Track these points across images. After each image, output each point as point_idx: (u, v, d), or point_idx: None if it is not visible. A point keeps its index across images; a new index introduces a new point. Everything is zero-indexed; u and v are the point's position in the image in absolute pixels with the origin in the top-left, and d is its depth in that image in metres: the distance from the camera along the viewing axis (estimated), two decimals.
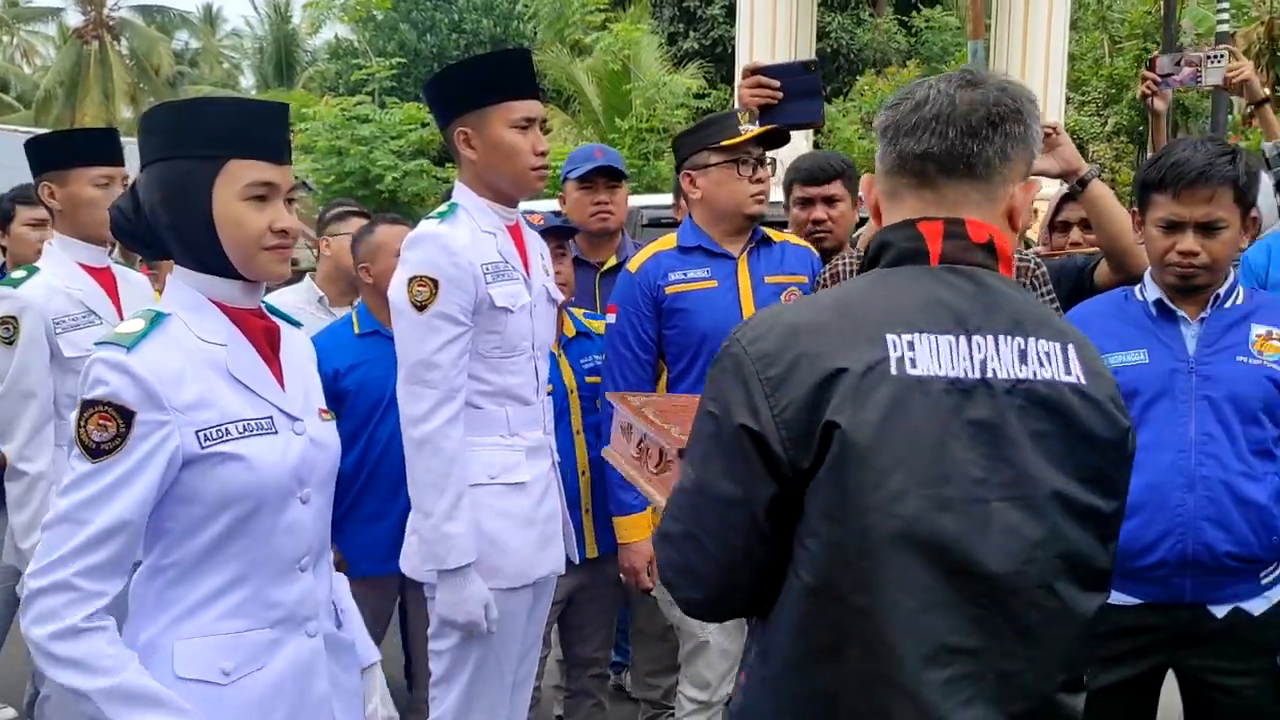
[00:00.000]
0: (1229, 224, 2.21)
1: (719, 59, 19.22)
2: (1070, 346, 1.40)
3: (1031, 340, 1.38)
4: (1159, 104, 3.25)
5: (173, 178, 1.70)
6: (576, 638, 3.24)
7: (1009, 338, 1.36)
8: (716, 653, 2.83)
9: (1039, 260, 2.65)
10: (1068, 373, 1.37)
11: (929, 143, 1.41)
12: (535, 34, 20.91)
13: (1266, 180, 3.18)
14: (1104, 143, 14.78)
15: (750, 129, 2.73)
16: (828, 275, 2.87)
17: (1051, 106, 10.35)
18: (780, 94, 2.82)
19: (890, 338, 1.33)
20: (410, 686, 3.41)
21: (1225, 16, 10.65)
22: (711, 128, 2.83)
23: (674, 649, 3.09)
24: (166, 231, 1.73)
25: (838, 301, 1.41)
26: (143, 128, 1.75)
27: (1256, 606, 2.24)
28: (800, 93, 2.83)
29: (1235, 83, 3.23)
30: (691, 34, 20.81)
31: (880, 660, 1.30)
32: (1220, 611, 2.23)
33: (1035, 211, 3.41)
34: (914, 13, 20.12)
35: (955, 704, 1.30)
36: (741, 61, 10.42)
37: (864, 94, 17.33)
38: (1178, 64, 3.30)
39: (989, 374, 1.33)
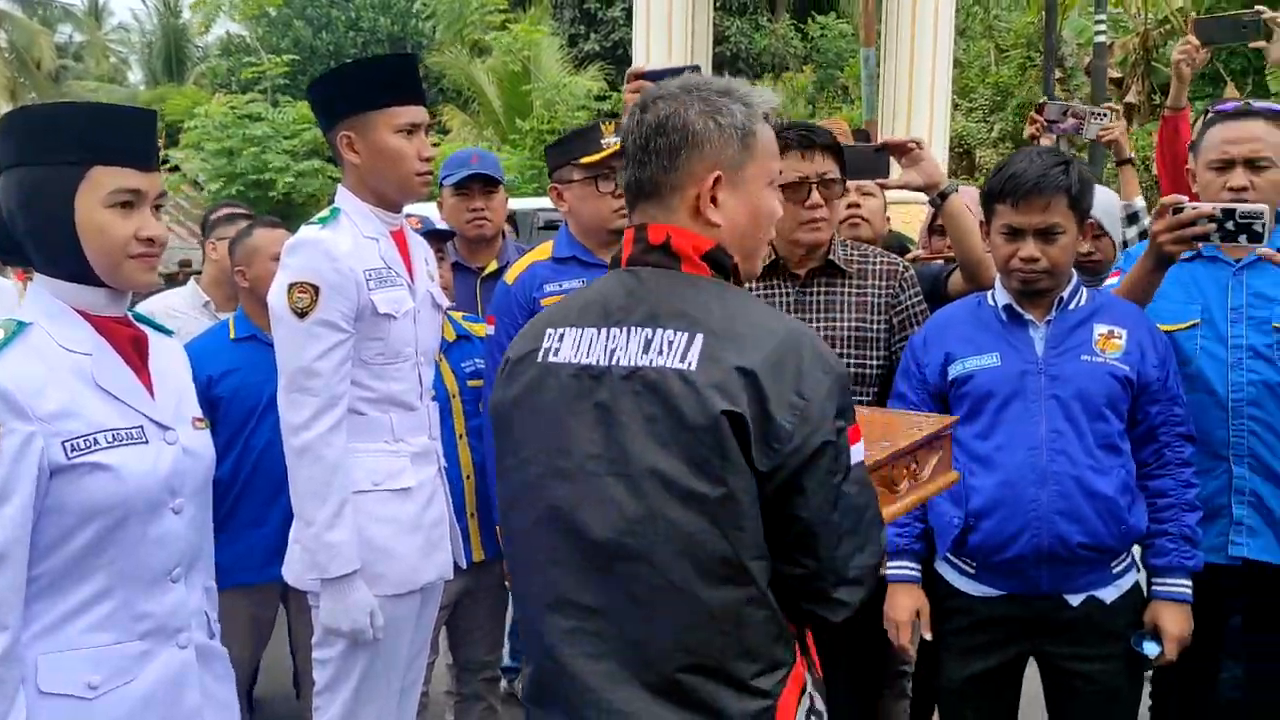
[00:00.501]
0: (1066, 230, 2.33)
1: (620, 61, 19.30)
2: (699, 336, 1.50)
3: (660, 331, 1.52)
4: (1044, 143, 3.45)
5: (32, 183, 1.67)
6: (465, 641, 3.25)
7: (640, 329, 1.53)
8: None
9: (907, 264, 2.76)
10: (682, 360, 1.49)
11: (625, 173, 1.65)
12: (434, 33, 20.72)
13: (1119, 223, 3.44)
14: (990, 148, 15.26)
15: (612, 143, 2.74)
16: None
17: (938, 112, 10.64)
18: None
19: (548, 331, 1.62)
20: (298, 695, 3.38)
21: (1103, 28, 11.09)
22: (574, 142, 2.84)
23: None
24: (25, 238, 1.71)
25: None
26: (1, 131, 1.71)
27: (1109, 594, 2.36)
28: None
29: (1105, 140, 3.52)
30: (592, 36, 20.87)
31: (521, 601, 1.64)
32: (1075, 600, 2.35)
33: (888, 219, 3.57)
34: (809, 19, 20.49)
35: (577, 654, 1.51)
36: (638, 64, 10.51)
37: None
38: (1064, 114, 3.51)
39: (614, 362, 1.53)
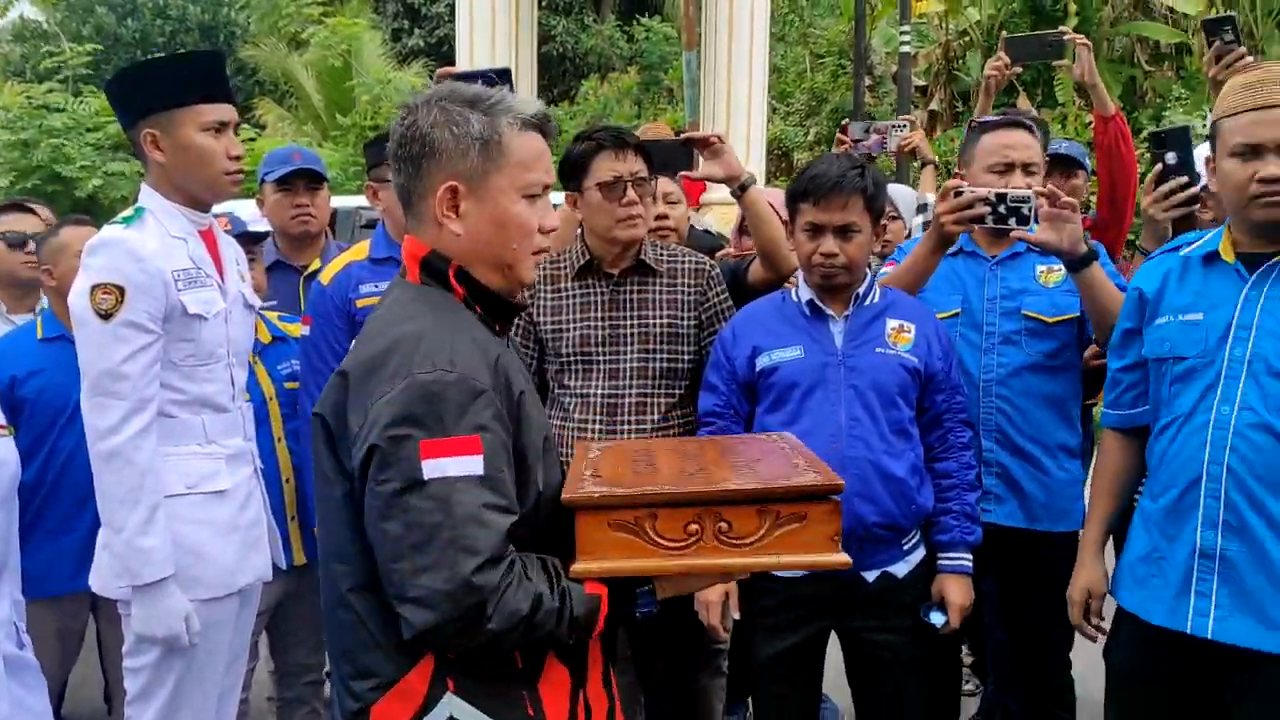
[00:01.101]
0: (861, 229, 2.52)
1: (445, 58, 19.07)
2: (356, 342, 1.63)
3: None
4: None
5: None
6: (287, 644, 3.21)
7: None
8: None
9: (713, 264, 2.90)
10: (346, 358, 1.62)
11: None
12: (248, 24, 19.96)
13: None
14: (806, 151, 15.82)
15: None
16: None
17: (755, 115, 10.98)
18: None
19: None
20: (109, 710, 3.26)
21: (907, 39, 11.68)
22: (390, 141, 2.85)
23: None
24: None
25: None
26: None
27: (901, 570, 2.54)
28: None
29: (906, 150, 3.73)
30: (416, 31, 20.54)
31: None
32: (871, 577, 2.52)
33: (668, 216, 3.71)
34: (635, 21, 20.75)
35: None
36: (461, 63, 10.42)
37: (589, 98, 17.72)
38: (867, 131, 3.72)
39: (341, 365, 1.61)
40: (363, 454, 1.48)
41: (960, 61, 15.00)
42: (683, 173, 2.97)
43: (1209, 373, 2.13)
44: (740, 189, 2.89)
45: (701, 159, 2.91)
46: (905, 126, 3.74)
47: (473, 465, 1.47)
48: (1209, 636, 2.09)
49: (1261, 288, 2.13)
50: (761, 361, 2.55)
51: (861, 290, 2.58)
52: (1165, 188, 2.59)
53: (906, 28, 11.45)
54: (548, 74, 19.76)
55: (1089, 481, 2.55)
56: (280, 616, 3.13)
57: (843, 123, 4.09)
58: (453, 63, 10.83)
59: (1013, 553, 2.74)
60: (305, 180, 3.52)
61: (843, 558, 1.59)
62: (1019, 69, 3.68)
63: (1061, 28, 3.71)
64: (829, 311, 2.56)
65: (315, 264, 3.55)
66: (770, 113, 14.69)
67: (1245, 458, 2.06)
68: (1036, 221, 2.51)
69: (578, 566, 1.56)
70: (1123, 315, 2.39)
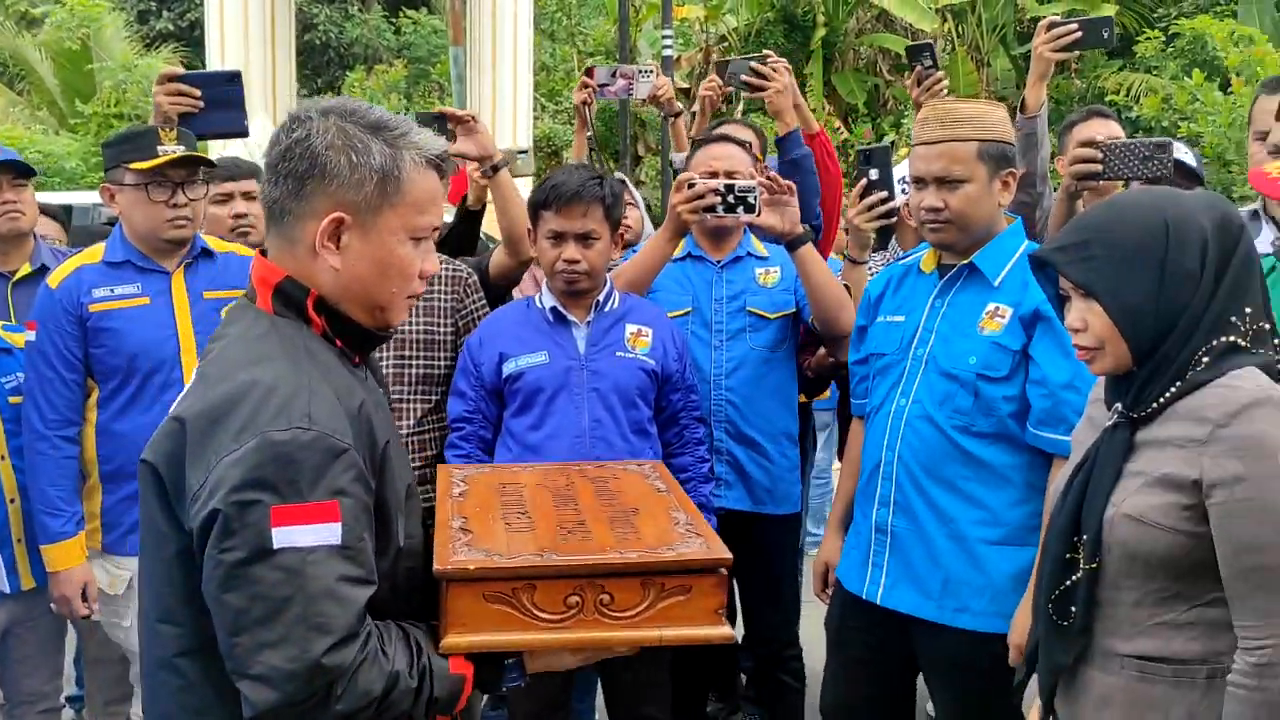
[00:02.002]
0: (601, 236, 2.64)
1: (197, 43, 18.11)
2: (195, 378, 1.48)
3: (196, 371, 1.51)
4: (587, 111, 3.56)
5: None
6: (19, 673, 3.02)
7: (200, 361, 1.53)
8: None
9: (470, 271, 2.95)
10: (180, 401, 1.47)
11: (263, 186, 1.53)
12: None
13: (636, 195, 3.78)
14: (585, 154, 16.02)
15: (171, 151, 2.66)
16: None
17: (521, 112, 11.04)
18: (202, 103, 2.80)
19: None
20: None
21: (669, 42, 12.01)
22: (128, 144, 2.70)
23: (128, 673, 3.00)
24: None
25: None
26: None
27: None
28: (223, 102, 2.81)
29: (661, 98, 3.61)
30: (165, 14, 19.37)
31: None
32: None
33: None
34: (401, 13, 20.35)
35: None
36: (212, 51, 9.95)
37: (355, 90, 17.25)
38: (613, 75, 3.55)
39: (177, 409, 1.46)
40: (203, 517, 1.33)
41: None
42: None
43: (898, 369, 2.41)
44: (492, 169, 2.95)
45: (459, 136, 2.94)
46: (652, 72, 3.61)
47: (329, 534, 1.33)
48: (879, 603, 2.37)
49: (945, 295, 2.40)
50: (508, 367, 2.62)
51: (601, 296, 2.69)
52: (868, 200, 2.84)
53: (669, 31, 11.77)
54: (310, 64, 19.11)
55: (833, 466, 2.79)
56: (9, 644, 2.94)
57: (588, 65, 3.96)
58: (204, 48, 10.31)
59: (741, 534, 2.92)
60: (10, 175, 3.26)
61: (727, 631, 1.54)
62: (731, 88, 3.83)
63: (765, 51, 3.87)
64: (571, 317, 2.66)
65: (25, 269, 3.31)
66: (539, 110, 14.77)
67: (912, 445, 2.33)
68: (759, 208, 2.73)
69: (448, 641, 1.46)
70: (859, 313, 2.64)
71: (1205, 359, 1.60)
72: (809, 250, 2.80)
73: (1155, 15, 13.19)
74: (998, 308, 2.30)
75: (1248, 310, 1.62)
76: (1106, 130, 3.38)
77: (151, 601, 1.47)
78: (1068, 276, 1.68)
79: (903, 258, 2.65)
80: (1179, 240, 1.61)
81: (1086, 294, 1.66)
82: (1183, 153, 3.22)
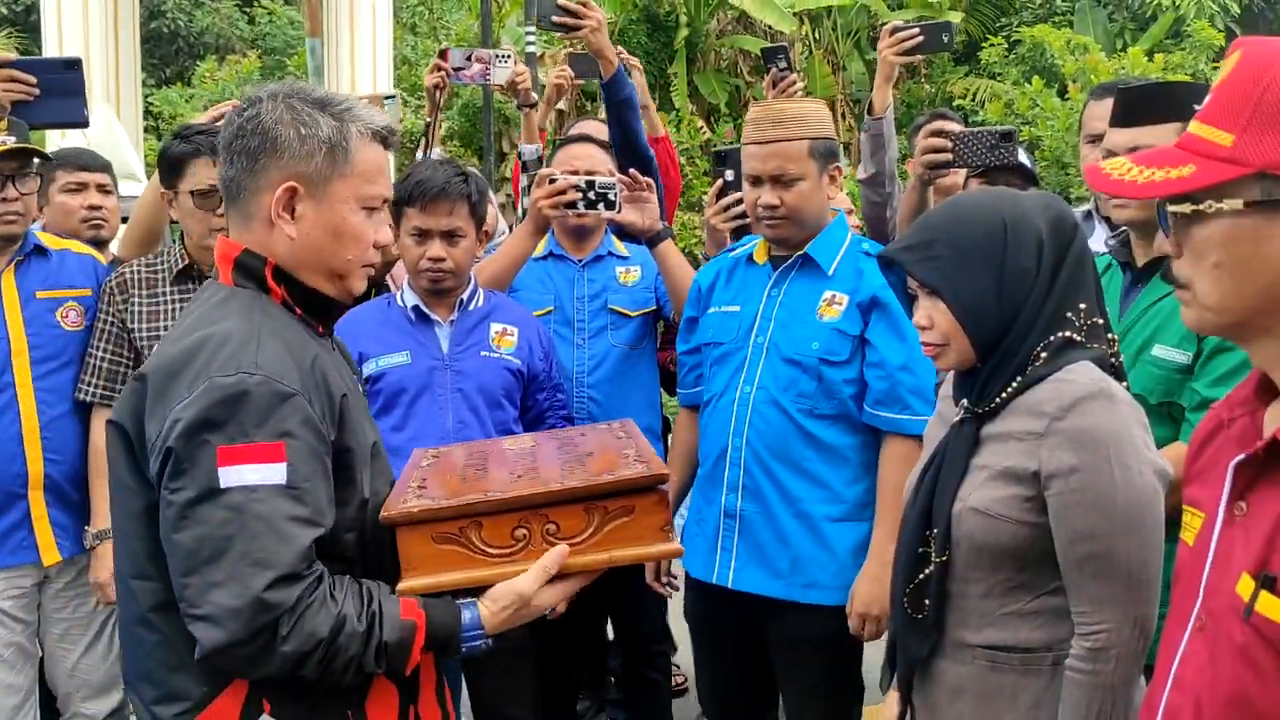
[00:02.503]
0: (466, 234, 2.63)
1: (34, 28, 17.14)
2: (159, 345, 1.58)
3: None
4: (439, 95, 3.42)
5: None
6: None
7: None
8: (1, 689, 2.65)
9: None
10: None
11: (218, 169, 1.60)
12: None
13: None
14: (439, 145, 15.81)
15: (1, 142, 2.52)
16: None
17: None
18: (37, 91, 2.66)
19: None
20: None
21: (532, 38, 11.94)
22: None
23: None
24: None
25: None
26: None
27: None
28: (61, 90, 2.67)
29: (519, 86, 3.51)
30: None
31: None
32: None
33: None
34: (255, 3, 19.70)
35: None
36: (49, 37, 9.42)
37: (205, 81, 16.61)
38: (468, 59, 3.42)
39: (139, 370, 1.55)
40: (159, 461, 1.40)
41: None
42: None
43: (738, 356, 2.48)
44: None
45: None
46: (510, 58, 3.52)
47: (274, 473, 1.39)
48: (730, 585, 2.43)
49: (781, 285, 2.49)
50: (369, 368, 2.58)
51: (465, 295, 2.67)
52: (724, 201, 2.92)
53: (532, 28, 11.71)
54: (157, 53, 18.32)
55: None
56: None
57: (441, 48, 3.80)
58: (40, 34, 9.75)
59: None
60: None
61: (675, 546, 1.59)
62: (580, 82, 3.81)
63: (618, 48, 3.87)
64: (434, 316, 2.63)
65: None
66: (402, 105, 14.49)
67: (759, 430, 2.42)
68: (620, 205, 2.77)
69: (403, 585, 1.49)
70: (687, 305, 2.71)
71: (1043, 354, 1.68)
72: (669, 246, 2.87)
73: (998, 23, 13.77)
74: (834, 295, 2.43)
75: (1082, 306, 1.70)
76: (950, 130, 3.52)
77: (125, 559, 1.51)
78: (914, 275, 1.75)
79: (731, 249, 2.73)
80: (1016, 239, 1.68)
81: (932, 292, 1.73)
82: (1019, 155, 3.37)
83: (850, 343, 2.39)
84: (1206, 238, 1.10)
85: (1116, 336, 1.79)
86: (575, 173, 2.87)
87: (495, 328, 2.67)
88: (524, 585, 1.50)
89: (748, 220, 3.02)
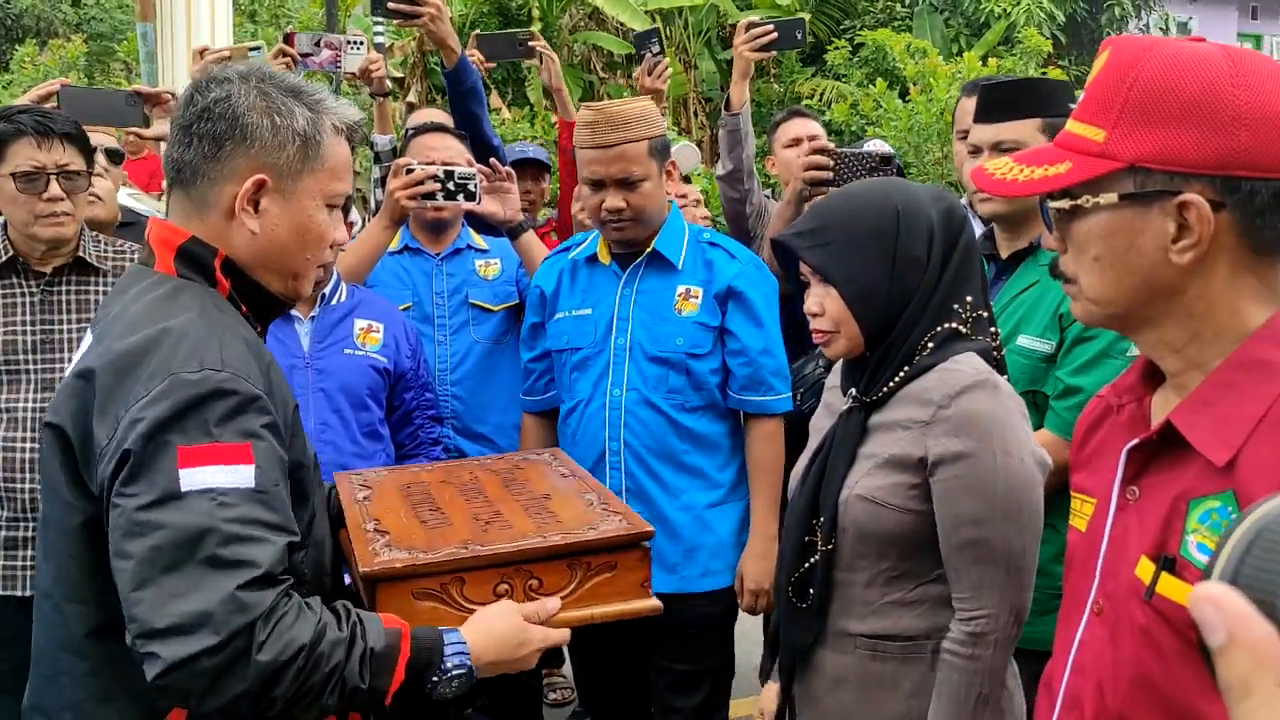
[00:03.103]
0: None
1: None
2: (91, 339, 1.42)
3: (92, 332, 1.45)
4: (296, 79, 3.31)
5: None
6: None
7: (90, 332, 1.45)
8: None
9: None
10: (80, 360, 1.40)
11: (168, 149, 1.47)
12: None
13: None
14: None
15: None
16: None
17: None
18: None
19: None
20: None
21: (381, 29, 11.64)
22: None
23: None
24: None
25: None
26: None
27: None
28: None
29: (376, 74, 3.40)
30: None
31: None
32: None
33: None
34: None
35: None
36: None
37: (25, 66, 15.60)
38: (317, 44, 3.28)
39: (79, 366, 1.38)
40: (113, 464, 1.25)
41: (434, 55, 15.29)
42: (135, 129, 2.76)
43: (600, 360, 2.47)
44: None
45: (153, 117, 2.74)
46: (362, 44, 3.40)
47: (241, 476, 1.26)
48: None
49: (632, 285, 2.49)
50: None
51: (328, 290, 2.55)
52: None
53: (380, 18, 11.42)
54: None
55: None
56: None
57: (287, 30, 3.65)
58: None
59: None
60: None
61: (654, 603, 1.55)
62: (491, 65, 3.72)
63: (530, 29, 3.83)
64: (294, 312, 2.50)
65: None
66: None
67: (636, 432, 2.42)
68: (480, 197, 2.69)
69: None
70: (529, 311, 2.66)
71: (929, 344, 1.69)
72: (530, 238, 2.83)
73: (842, 26, 14.15)
74: (689, 289, 2.44)
75: (968, 299, 1.72)
76: (807, 129, 3.59)
77: (55, 579, 1.37)
78: (806, 261, 1.74)
79: (562, 249, 2.70)
80: (908, 228, 1.69)
81: (824, 279, 1.72)
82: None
83: (711, 335, 2.44)
84: (1086, 232, 1.13)
85: (999, 330, 1.82)
86: (432, 163, 2.78)
87: (359, 324, 2.55)
88: (514, 613, 1.45)
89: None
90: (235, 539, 1.24)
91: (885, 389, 1.71)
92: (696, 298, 2.44)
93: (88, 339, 1.44)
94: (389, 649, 1.34)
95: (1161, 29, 15.83)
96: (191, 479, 1.25)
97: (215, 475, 1.26)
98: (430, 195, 2.64)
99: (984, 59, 10.12)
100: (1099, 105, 1.11)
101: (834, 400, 1.87)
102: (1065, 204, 1.13)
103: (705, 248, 2.49)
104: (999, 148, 2.25)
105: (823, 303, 1.74)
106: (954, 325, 1.70)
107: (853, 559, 1.72)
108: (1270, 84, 1.05)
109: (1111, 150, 1.09)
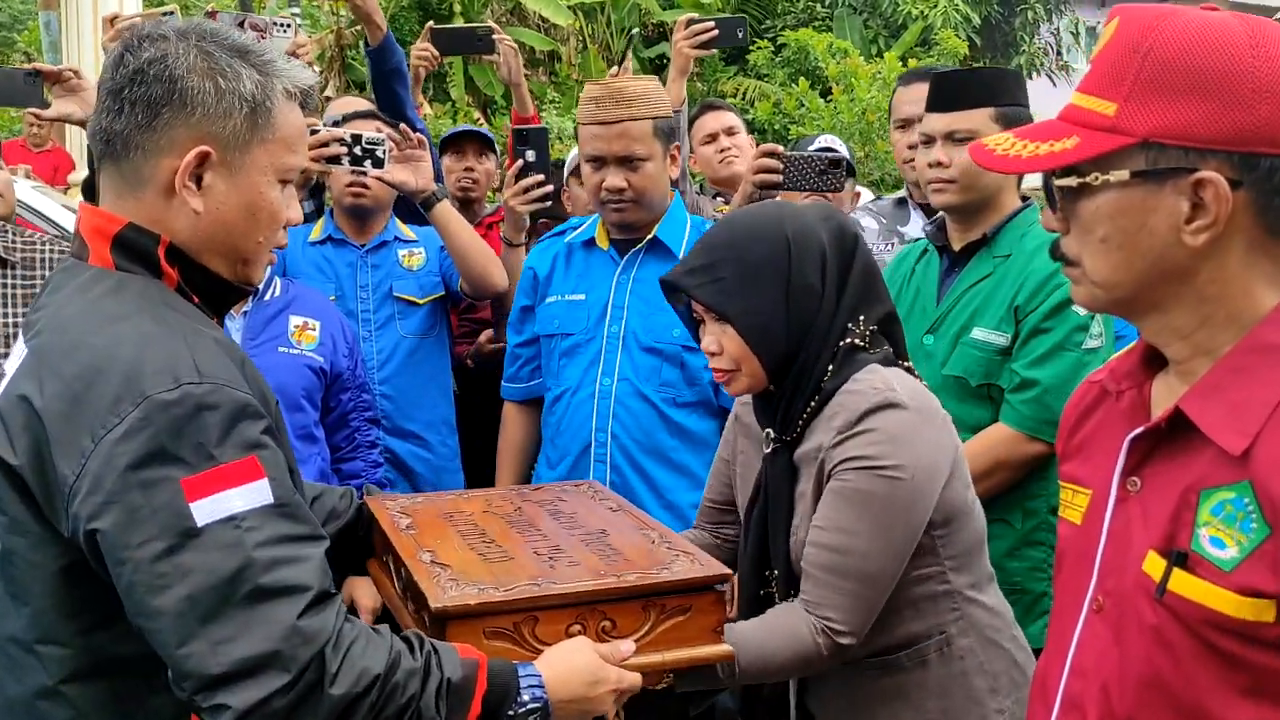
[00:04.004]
0: None
1: None
2: (27, 350, 1.26)
3: (24, 336, 1.30)
4: None
5: None
6: None
7: (22, 337, 1.30)
8: None
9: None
10: (18, 376, 1.24)
11: (93, 118, 1.30)
12: None
13: None
14: None
15: None
16: None
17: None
18: None
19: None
20: None
21: (298, 21, 11.36)
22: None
23: None
24: None
25: None
26: None
27: None
28: None
29: (304, 59, 3.17)
30: None
31: None
32: None
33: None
34: None
35: None
36: None
37: None
38: (240, 25, 3.03)
39: (18, 386, 1.22)
40: (95, 514, 1.11)
41: (352, 50, 15.00)
42: (35, 110, 2.57)
43: (591, 348, 2.38)
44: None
45: (53, 97, 2.54)
46: (289, 26, 3.22)
47: (258, 493, 1.14)
48: None
49: (630, 272, 2.40)
50: None
51: (261, 285, 2.41)
52: (524, 182, 2.74)
53: (296, 9, 11.15)
54: None
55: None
56: None
57: (209, 8, 3.47)
58: None
59: None
60: None
61: (727, 649, 1.46)
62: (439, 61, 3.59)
63: (490, 23, 3.69)
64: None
65: None
66: None
67: (625, 424, 2.33)
68: (389, 160, 2.57)
69: None
70: (519, 294, 2.56)
71: (830, 366, 1.63)
72: (445, 208, 2.68)
73: (764, 26, 14.22)
74: None
75: (862, 318, 1.65)
76: (720, 121, 3.60)
77: (23, 622, 1.23)
78: (700, 300, 1.66)
79: (558, 231, 2.62)
80: (800, 254, 1.62)
81: (719, 316, 1.65)
82: (842, 148, 3.43)
83: None
84: (1094, 211, 1.07)
85: (904, 337, 1.75)
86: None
87: (295, 321, 2.43)
88: (590, 650, 1.35)
89: (547, 204, 2.90)
90: (275, 564, 1.13)
91: (800, 422, 1.64)
92: None
93: (19, 347, 1.28)
94: (466, 680, 1.24)
95: (1072, 32, 16.21)
96: (205, 511, 1.12)
97: (231, 500, 1.13)
98: (335, 159, 2.51)
99: (904, 60, 10.25)
100: (1109, 77, 1.05)
101: (746, 415, 1.80)
102: (1073, 181, 1.08)
103: None
104: (952, 137, 2.23)
105: (719, 341, 1.66)
106: (850, 340, 1.64)
107: None
108: None
109: (1123, 125, 1.03)
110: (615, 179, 2.32)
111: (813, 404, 1.63)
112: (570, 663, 1.33)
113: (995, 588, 1.75)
